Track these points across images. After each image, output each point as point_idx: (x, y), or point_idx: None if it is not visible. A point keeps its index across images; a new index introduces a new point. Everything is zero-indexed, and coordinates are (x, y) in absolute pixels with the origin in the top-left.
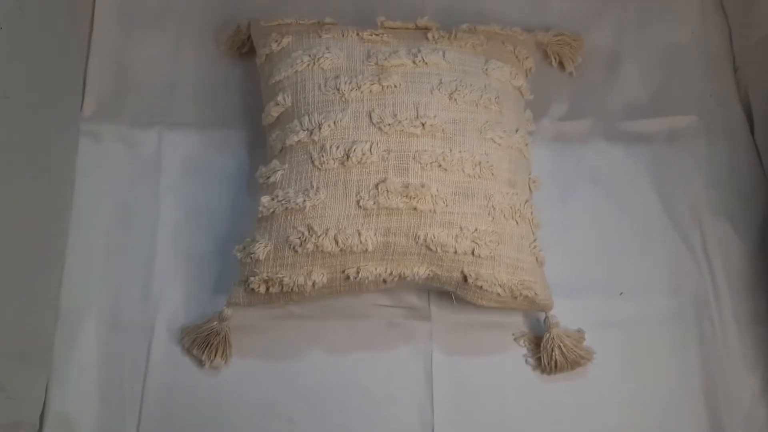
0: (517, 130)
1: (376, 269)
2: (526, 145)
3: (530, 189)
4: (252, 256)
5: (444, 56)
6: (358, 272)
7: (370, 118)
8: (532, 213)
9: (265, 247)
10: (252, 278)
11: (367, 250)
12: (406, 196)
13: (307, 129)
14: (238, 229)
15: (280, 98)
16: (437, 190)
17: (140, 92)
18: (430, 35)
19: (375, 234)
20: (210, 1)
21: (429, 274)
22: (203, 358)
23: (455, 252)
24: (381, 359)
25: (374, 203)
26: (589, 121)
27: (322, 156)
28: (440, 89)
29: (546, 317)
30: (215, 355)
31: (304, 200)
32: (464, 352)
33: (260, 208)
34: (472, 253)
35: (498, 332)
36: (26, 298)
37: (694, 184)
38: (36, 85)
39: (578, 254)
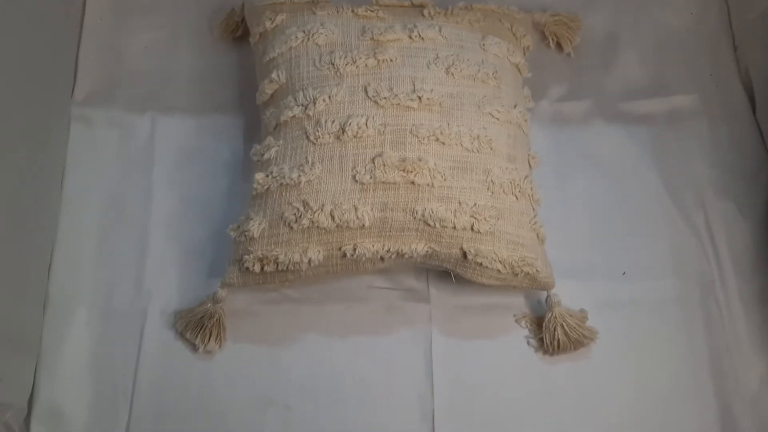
0: (515, 106)
1: (373, 246)
2: (525, 120)
3: (530, 165)
4: (246, 234)
5: (440, 31)
6: (354, 249)
7: (366, 92)
8: (532, 189)
9: (260, 224)
10: (246, 257)
11: (363, 225)
12: (403, 170)
13: (302, 104)
14: (232, 217)
15: (274, 75)
16: (435, 164)
17: (133, 78)
18: (425, 12)
19: (372, 209)
20: None
21: (427, 251)
22: (197, 342)
23: (454, 227)
24: (379, 343)
25: (371, 177)
26: (588, 103)
27: (317, 130)
28: (437, 63)
29: (548, 296)
30: (209, 339)
31: (299, 175)
32: (464, 334)
33: (254, 185)
34: (472, 229)
35: (499, 314)
36: (12, 283)
37: (697, 163)
38: (25, 70)
39: (579, 235)
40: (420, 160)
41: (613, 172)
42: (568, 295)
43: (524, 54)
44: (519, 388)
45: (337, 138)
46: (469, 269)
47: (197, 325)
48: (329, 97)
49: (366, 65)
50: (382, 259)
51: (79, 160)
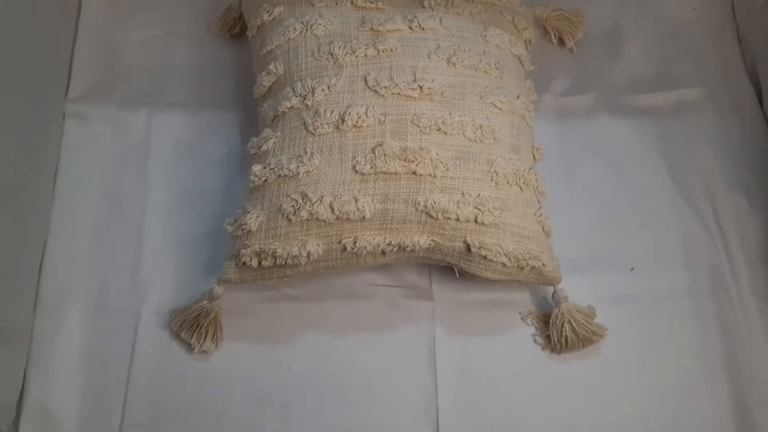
0: (518, 97)
1: (374, 239)
2: (529, 111)
3: (534, 156)
4: (243, 227)
5: (441, 22)
6: (355, 242)
7: (366, 81)
8: (536, 180)
9: (257, 217)
10: (243, 251)
11: (364, 217)
12: (405, 160)
13: (300, 95)
14: (230, 213)
15: (272, 67)
16: (437, 154)
17: (129, 73)
18: (426, 3)
19: (372, 200)
20: None
21: (430, 244)
22: (192, 341)
23: (457, 219)
24: (381, 342)
25: (371, 167)
26: (592, 96)
27: (316, 121)
28: (438, 53)
29: (554, 291)
30: (205, 338)
31: (298, 166)
32: (468, 332)
33: (252, 177)
34: (475, 221)
35: (504, 310)
36: (2, 279)
37: (704, 156)
38: (19, 66)
39: (586, 230)
40: (422, 149)
41: (620, 166)
42: (575, 291)
43: (526, 47)
44: (525, 386)
45: (337, 128)
46: (473, 263)
47: (193, 324)
48: (328, 87)
49: (366, 55)
50: (383, 252)
51: (74, 156)
